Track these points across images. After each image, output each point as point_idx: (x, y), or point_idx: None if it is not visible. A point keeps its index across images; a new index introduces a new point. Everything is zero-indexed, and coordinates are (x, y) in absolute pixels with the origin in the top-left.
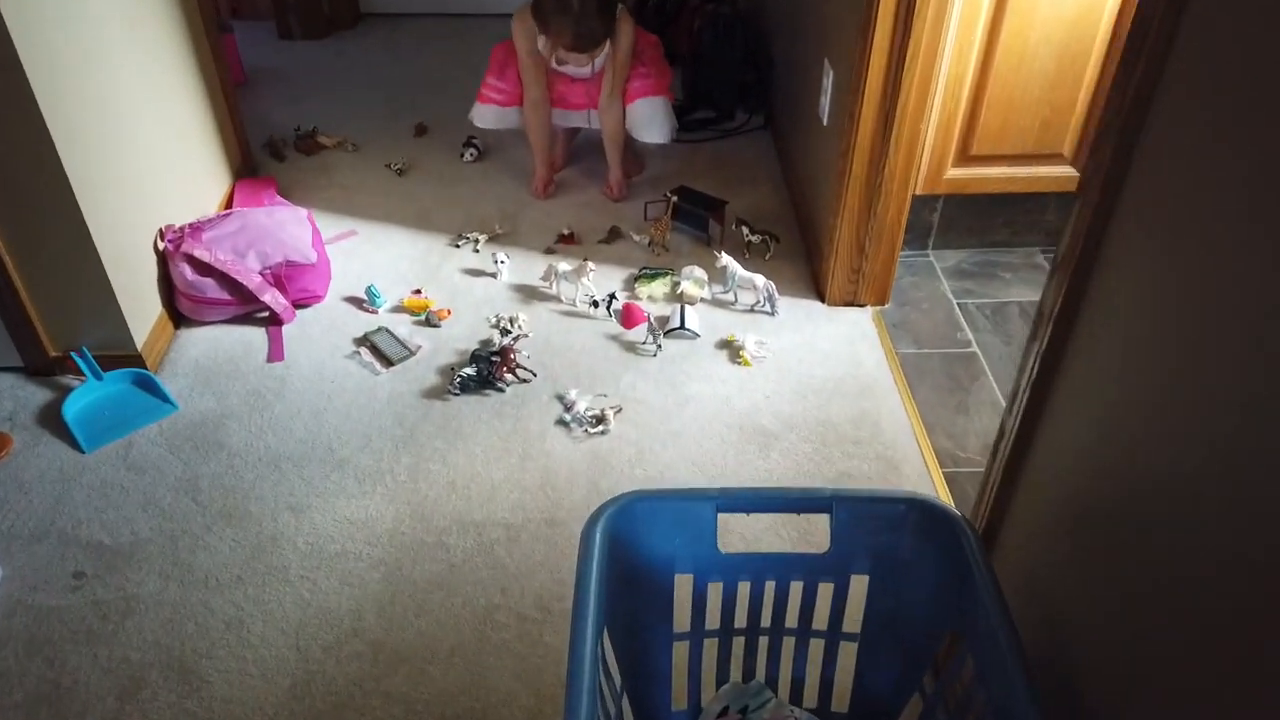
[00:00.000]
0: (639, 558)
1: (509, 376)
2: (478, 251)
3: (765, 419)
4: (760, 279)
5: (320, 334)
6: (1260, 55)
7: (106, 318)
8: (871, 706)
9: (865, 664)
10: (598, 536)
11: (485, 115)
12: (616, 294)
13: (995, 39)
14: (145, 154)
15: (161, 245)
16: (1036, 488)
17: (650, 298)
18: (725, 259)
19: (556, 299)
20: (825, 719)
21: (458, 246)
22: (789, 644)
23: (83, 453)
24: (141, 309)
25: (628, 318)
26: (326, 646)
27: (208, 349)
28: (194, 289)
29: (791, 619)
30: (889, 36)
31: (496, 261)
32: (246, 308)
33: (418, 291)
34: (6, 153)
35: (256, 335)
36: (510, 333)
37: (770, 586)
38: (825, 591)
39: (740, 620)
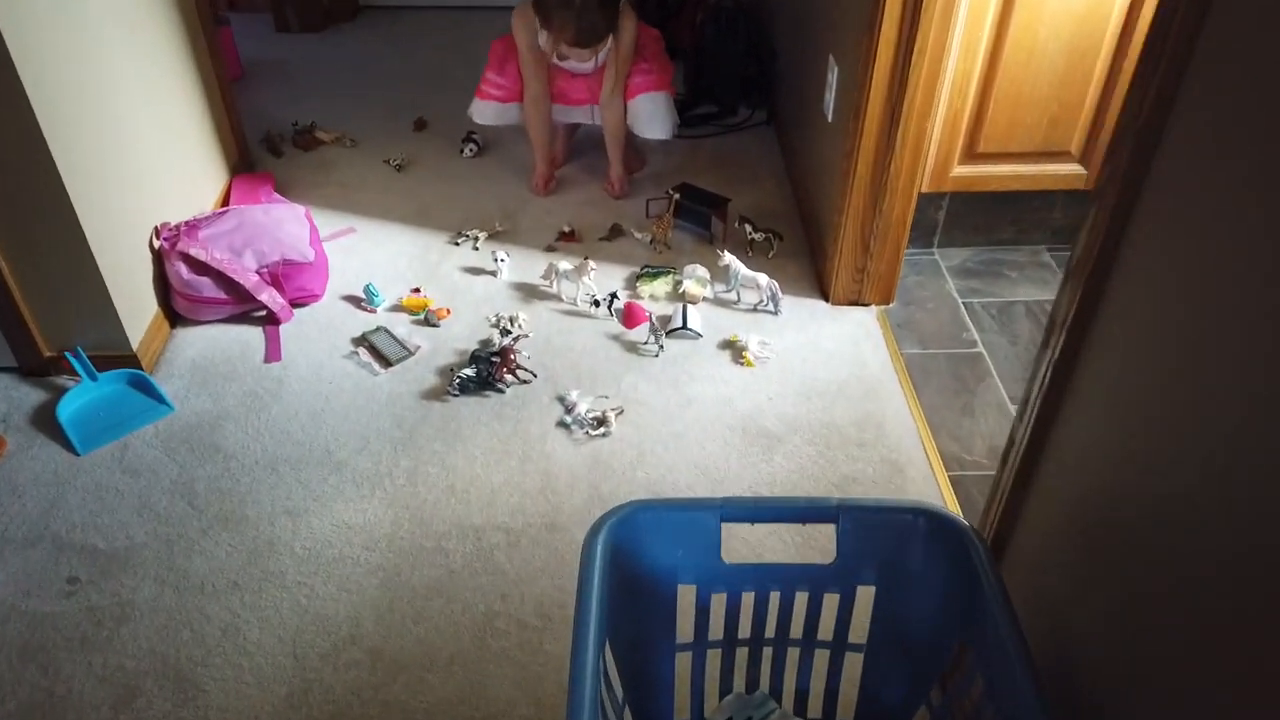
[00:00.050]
0: (641, 568)
1: (509, 377)
2: (477, 249)
3: (768, 421)
4: (763, 278)
5: (318, 334)
6: None
7: (101, 317)
8: (878, 718)
9: (871, 675)
10: (599, 547)
11: (485, 111)
12: (618, 293)
13: (1003, 35)
14: (140, 150)
15: (157, 243)
16: (1048, 498)
17: (652, 297)
18: (728, 258)
19: (557, 298)
20: None
21: (457, 244)
22: (793, 654)
23: (77, 455)
24: (137, 308)
25: (629, 317)
26: (324, 654)
27: (204, 349)
28: (190, 288)
29: (796, 630)
30: (896, 32)
31: (496, 259)
32: (243, 307)
33: (416, 290)
34: None
35: (253, 335)
36: (510, 333)
37: (775, 597)
38: (831, 602)
39: (744, 631)
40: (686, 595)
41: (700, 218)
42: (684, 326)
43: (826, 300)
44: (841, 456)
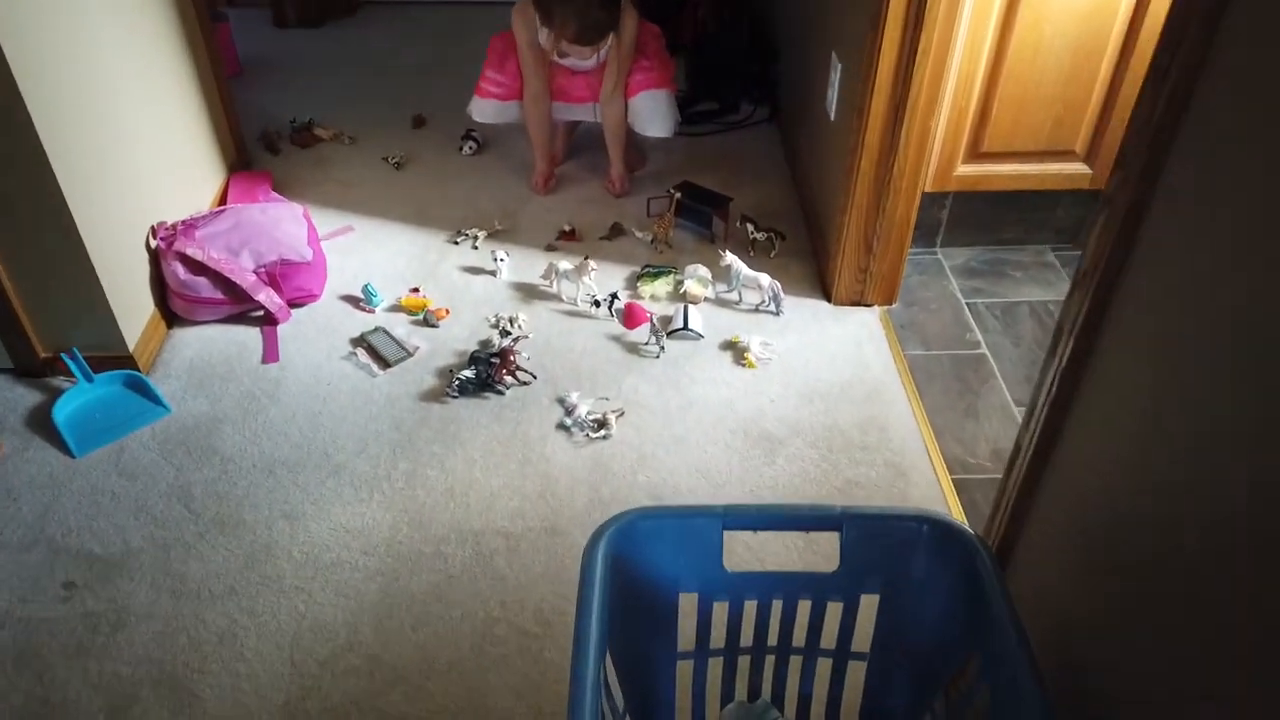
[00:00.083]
0: (642, 577)
1: (508, 379)
2: (476, 248)
3: (770, 424)
4: (765, 278)
5: (316, 334)
6: None
7: (97, 318)
8: None
9: (875, 683)
10: (599, 556)
11: (484, 110)
12: (618, 293)
13: (1008, 32)
14: (136, 148)
15: (154, 243)
16: (1054, 506)
17: (653, 297)
18: (730, 258)
19: (557, 298)
20: None
21: (456, 243)
22: (796, 662)
23: (73, 457)
24: (133, 309)
25: (630, 318)
26: (322, 661)
27: (201, 350)
28: (187, 288)
29: (799, 638)
30: (900, 30)
31: (496, 259)
32: (241, 307)
33: (415, 290)
34: None
35: (251, 336)
36: (510, 333)
37: (777, 606)
38: (834, 610)
39: (746, 639)
40: (688, 603)
41: (702, 217)
42: (685, 327)
43: (829, 301)
44: (844, 460)
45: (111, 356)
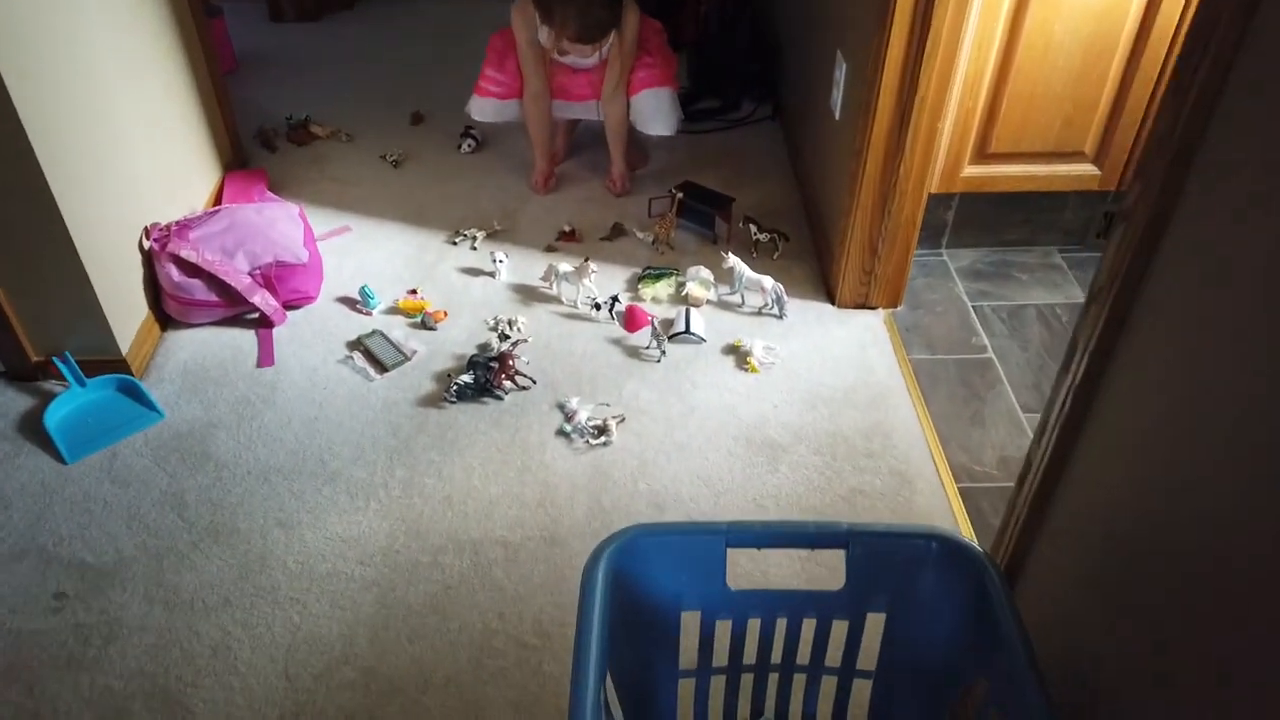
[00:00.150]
0: (643, 595)
1: (507, 384)
2: (475, 249)
3: (773, 430)
4: (768, 281)
5: (312, 337)
6: None
7: (90, 321)
8: None
9: (880, 702)
10: (600, 574)
11: (484, 109)
12: (619, 296)
13: (1018, 31)
14: (128, 147)
15: (147, 244)
16: (1065, 525)
17: (654, 299)
18: (732, 260)
19: (557, 300)
20: None
21: (455, 244)
22: (800, 681)
23: (65, 464)
24: (127, 311)
25: (631, 321)
26: (317, 674)
27: (196, 353)
28: (181, 290)
29: (803, 656)
30: (907, 28)
31: (495, 260)
32: (235, 310)
33: (413, 292)
34: None
35: (246, 338)
36: (509, 337)
37: (781, 624)
38: (839, 628)
39: (749, 657)
40: (690, 621)
41: (704, 217)
42: (687, 331)
43: (833, 303)
44: (848, 468)
45: (104, 360)
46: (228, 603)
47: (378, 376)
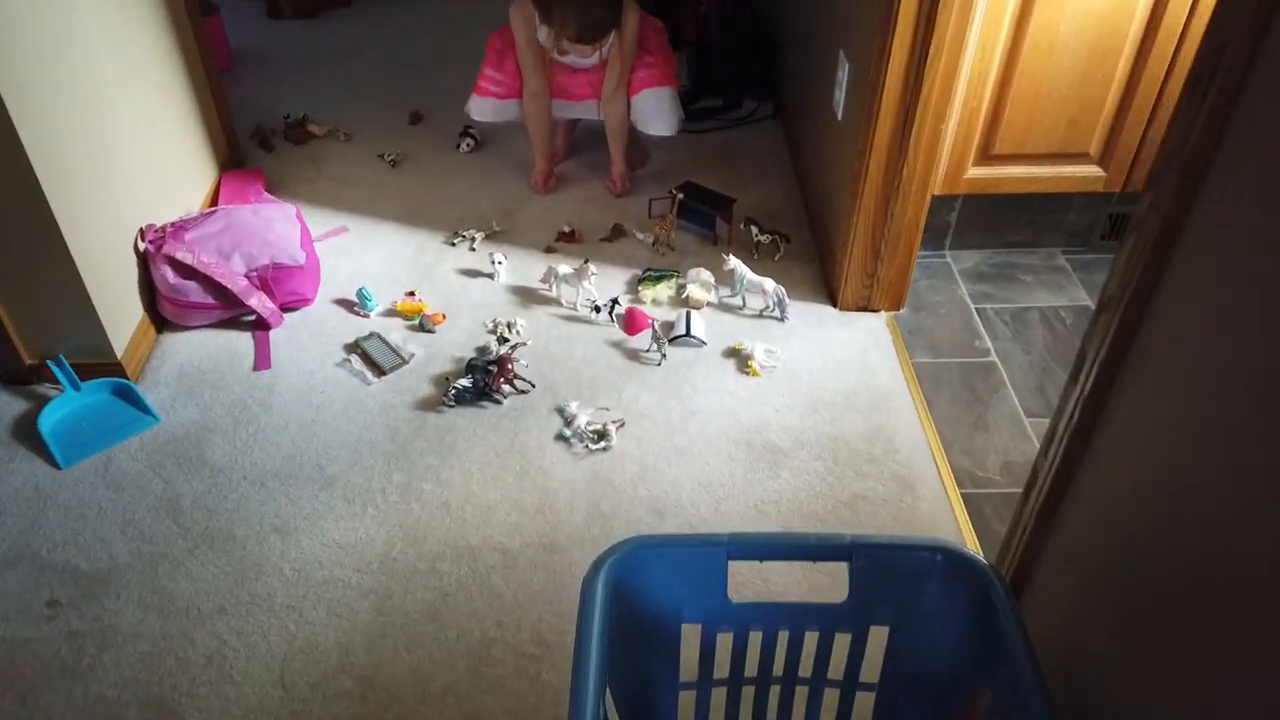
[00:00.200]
0: (643, 607)
1: (506, 388)
2: (474, 250)
3: (775, 434)
4: (770, 283)
5: (309, 340)
6: None
7: (84, 324)
8: None
9: (884, 714)
10: (599, 587)
11: (483, 108)
12: (619, 298)
13: (1022, 32)
14: (123, 147)
15: (142, 246)
16: (1072, 537)
17: (654, 301)
18: (733, 262)
19: (556, 302)
20: None
21: (453, 245)
22: (802, 693)
23: (59, 469)
24: (121, 314)
25: (631, 323)
26: (313, 683)
27: (191, 356)
28: (176, 292)
29: (805, 668)
30: (911, 29)
31: (494, 261)
32: (232, 312)
33: (411, 294)
34: None
35: (242, 341)
36: (508, 340)
37: (784, 636)
38: (842, 640)
39: (751, 669)
40: (691, 633)
41: (704, 218)
42: (687, 333)
43: (835, 306)
44: (850, 473)
45: (99, 363)
46: (223, 610)
47: (375, 380)
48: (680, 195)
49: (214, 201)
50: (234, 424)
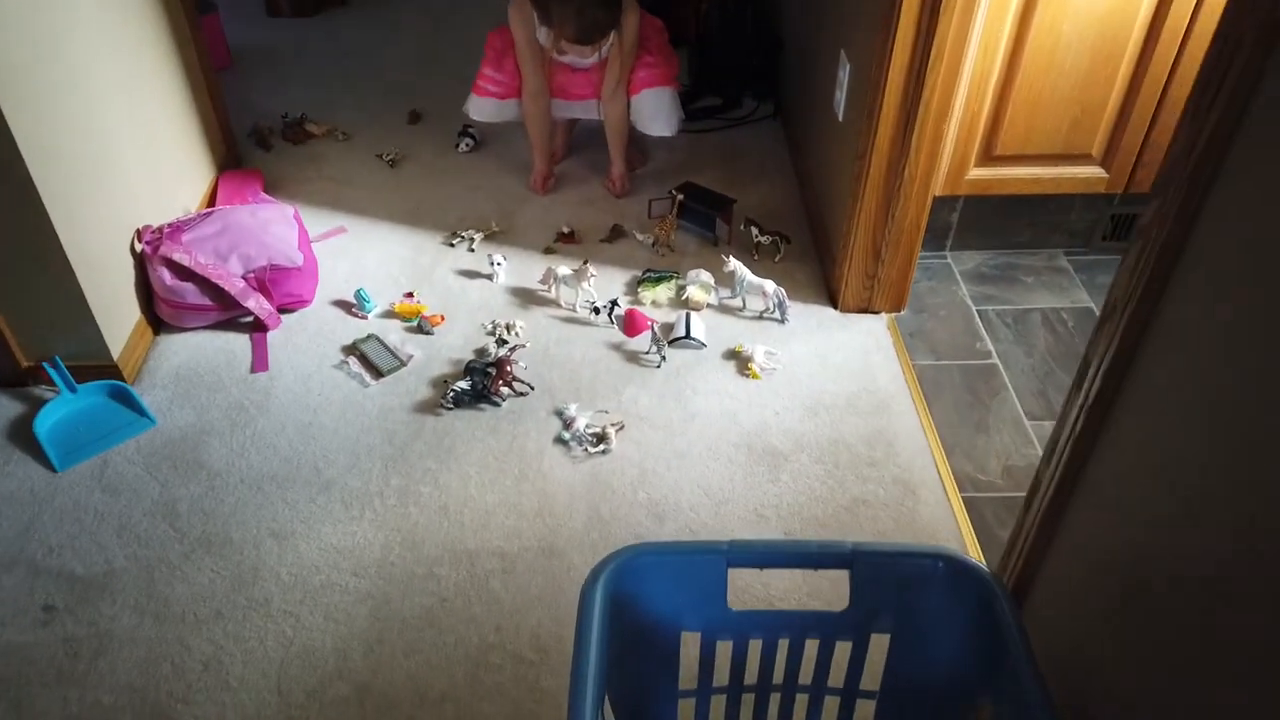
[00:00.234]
0: (643, 615)
1: (505, 390)
2: (473, 251)
3: (775, 437)
4: (770, 285)
5: (307, 342)
6: None
7: (80, 325)
8: None
9: None
10: (598, 595)
11: (483, 108)
12: (619, 299)
13: (1024, 33)
14: (119, 146)
15: (139, 247)
16: (1074, 545)
17: (654, 303)
18: (733, 263)
19: (555, 304)
20: None
21: (452, 245)
22: (802, 701)
23: (55, 472)
24: (118, 315)
25: (630, 325)
26: (310, 690)
27: (188, 358)
28: (173, 294)
29: (806, 676)
30: (913, 30)
31: (493, 262)
32: (229, 313)
33: (409, 295)
34: None
35: (240, 343)
36: (506, 342)
37: (784, 645)
38: (842, 648)
39: (750, 677)
40: (690, 641)
41: (704, 219)
42: (687, 335)
43: (835, 307)
44: (851, 476)
45: (95, 365)
46: (219, 615)
47: (373, 382)
48: (680, 196)
49: (211, 202)
50: (231, 427)
